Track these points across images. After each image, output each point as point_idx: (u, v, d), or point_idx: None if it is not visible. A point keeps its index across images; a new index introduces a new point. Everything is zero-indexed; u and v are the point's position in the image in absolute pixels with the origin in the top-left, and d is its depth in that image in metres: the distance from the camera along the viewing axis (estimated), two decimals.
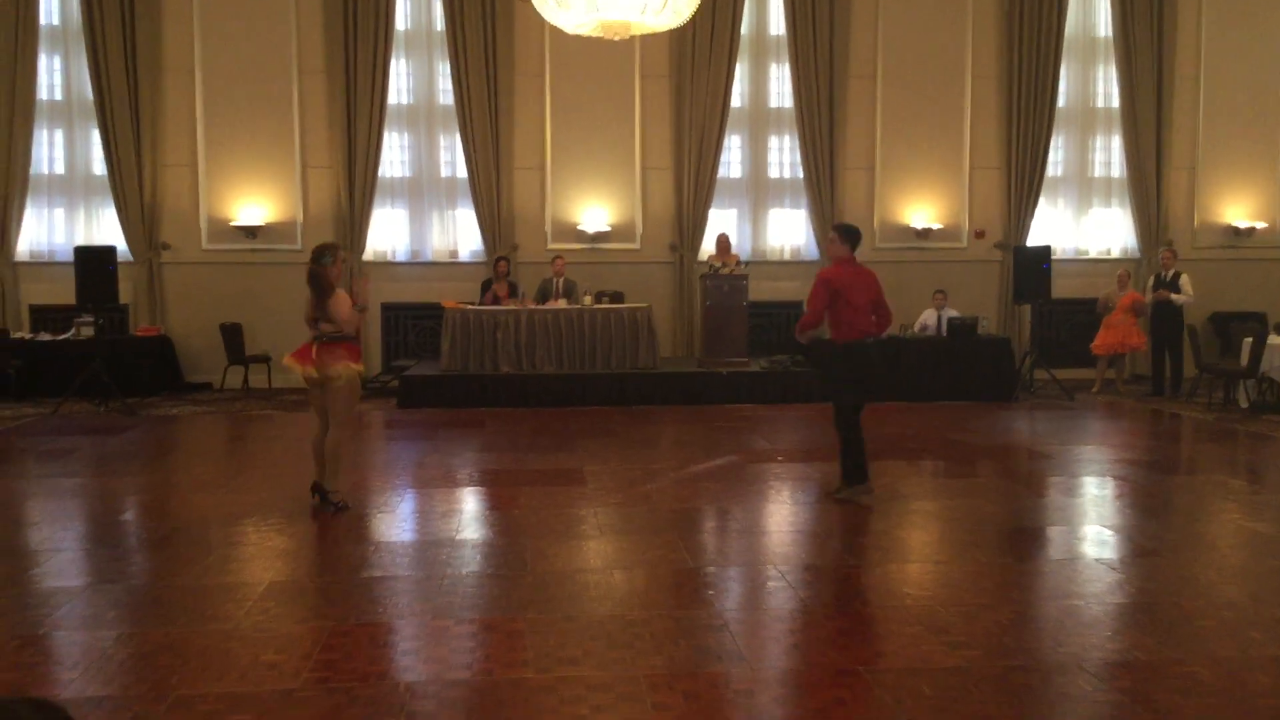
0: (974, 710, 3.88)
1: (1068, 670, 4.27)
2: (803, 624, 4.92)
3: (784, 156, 15.39)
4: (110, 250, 12.69)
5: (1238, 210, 15.76)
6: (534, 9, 9.55)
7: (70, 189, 14.63)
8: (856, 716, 3.83)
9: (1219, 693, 4.04)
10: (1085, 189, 15.83)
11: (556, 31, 10.93)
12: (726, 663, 4.37)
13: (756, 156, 15.32)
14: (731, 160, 15.28)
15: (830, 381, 7.36)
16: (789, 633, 4.84)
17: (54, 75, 14.54)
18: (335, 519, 6.94)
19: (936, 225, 15.33)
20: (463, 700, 4.00)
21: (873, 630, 4.75)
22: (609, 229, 14.89)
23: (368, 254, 14.74)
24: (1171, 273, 13.46)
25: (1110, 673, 4.25)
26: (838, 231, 7.49)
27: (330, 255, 7.11)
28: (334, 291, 7.09)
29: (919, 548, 6.38)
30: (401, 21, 14.71)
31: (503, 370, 12.77)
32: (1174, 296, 13.28)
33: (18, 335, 13.71)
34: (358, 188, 14.45)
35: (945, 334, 13.59)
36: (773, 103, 15.31)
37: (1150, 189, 15.45)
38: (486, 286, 13.86)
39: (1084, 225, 15.84)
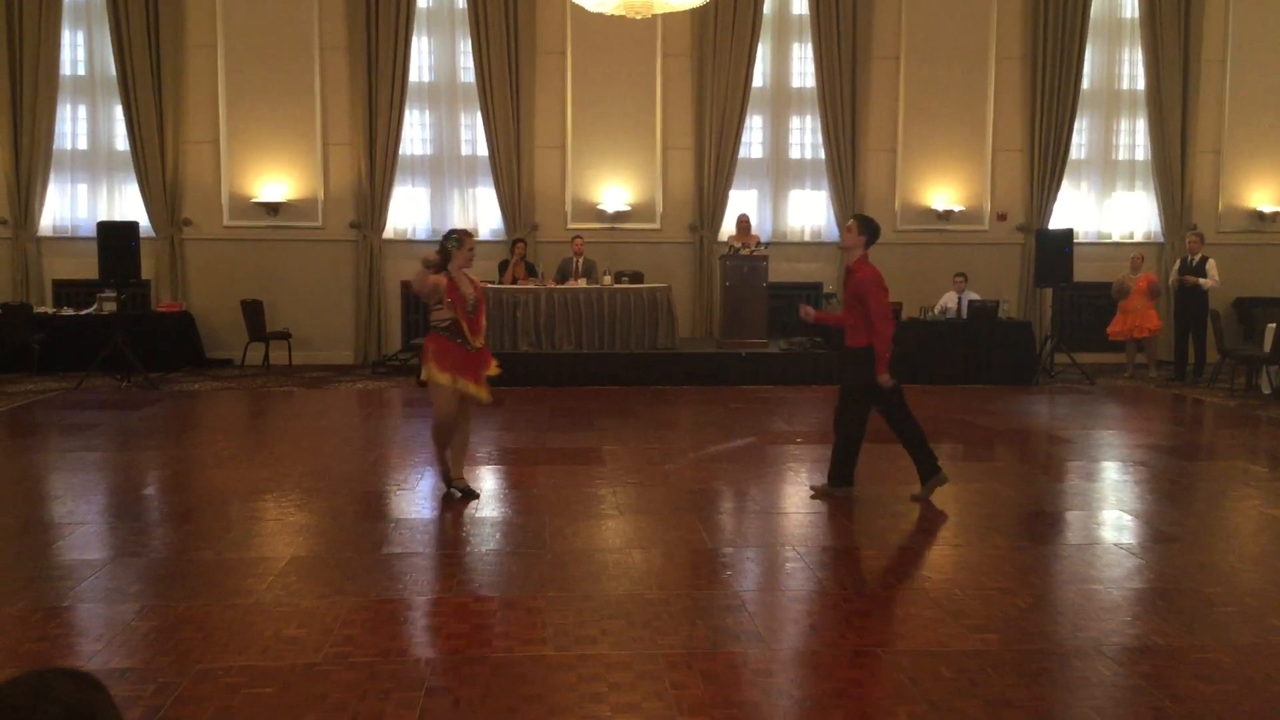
0: (992, 693, 3.88)
1: (1087, 655, 4.26)
2: (820, 605, 4.93)
3: (805, 137, 15.33)
4: (133, 226, 12.75)
5: (1263, 195, 15.62)
6: None
7: (93, 164, 14.70)
8: (874, 698, 3.84)
9: (1239, 679, 4.02)
10: (1109, 172, 15.71)
11: (578, 9, 10.90)
12: (744, 643, 4.38)
13: (777, 137, 15.25)
14: (752, 140, 15.23)
15: (856, 387, 6.85)
16: (806, 614, 4.84)
17: (77, 51, 14.60)
18: (347, 501, 6.98)
19: (958, 207, 15.25)
20: (482, 677, 4.02)
21: (890, 612, 4.75)
22: (629, 209, 14.87)
23: (388, 232, 14.77)
24: (1198, 257, 13.35)
25: (1129, 658, 4.24)
26: (859, 223, 6.97)
27: (455, 240, 6.78)
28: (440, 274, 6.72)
29: (937, 530, 6.37)
30: None
31: (522, 349, 12.79)
32: (1201, 281, 13.17)
33: (41, 310, 13.80)
34: (378, 165, 14.47)
35: (966, 317, 13.53)
36: (795, 83, 15.24)
37: (1175, 173, 15.32)
38: (503, 268, 13.87)
39: (1107, 209, 15.74)
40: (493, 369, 6.94)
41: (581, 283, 13.25)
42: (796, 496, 7.22)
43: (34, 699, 1.15)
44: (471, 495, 6.90)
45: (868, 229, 6.93)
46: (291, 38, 14.44)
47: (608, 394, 11.84)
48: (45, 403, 11.06)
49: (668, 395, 11.90)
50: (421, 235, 14.98)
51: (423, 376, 6.91)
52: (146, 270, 13.80)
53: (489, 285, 13.26)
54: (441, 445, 6.92)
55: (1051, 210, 15.31)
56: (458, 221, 14.95)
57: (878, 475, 7.66)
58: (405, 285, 6.42)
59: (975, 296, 13.79)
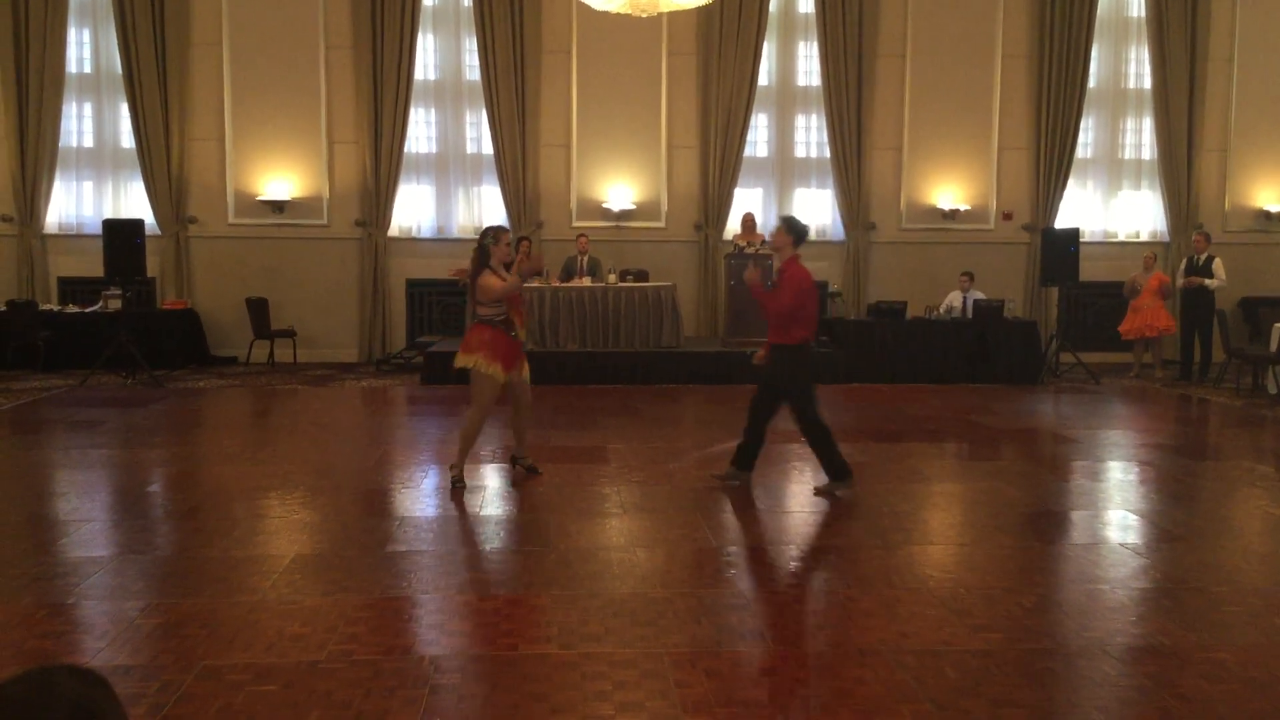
0: (997, 693, 3.87)
1: (1091, 654, 4.25)
2: (825, 604, 4.92)
3: (811, 136, 15.31)
4: (138, 223, 12.76)
5: (1270, 194, 15.58)
6: None
7: (99, 162, 14.72)
8: (878, 697, 3.83)
9: (1244, 679, 4.01)
10: (1115, 171, 15.68)
11: (584, 7, 10.90)
12: (748, 641, 4.38)
13: (783, 135, 15.24)
14: (758, 139, 15.22)
15: (796, 384, 7.05)
16: (811, 613, 4.84)
17: (83, 49, 14.61)
18: (347, 497, 6.98)
19: (964, 206, 15.23)
20: (487, 674, 4.02)
21: (895, 611, 4.75)
22: (634, 207, 14.87)
23: (393, 230, 14.79)
24: (1204, 257, 13.32)
25: (1134, 658, 4.24)
26: (786, 225, 7.20)
27: (492, 236, 7.18)
28: (482, 271, 7.10)
29: (942, 530, 6.37)
30: None
31: (526, 347, 12.75)
32: (1207, 282, 13.14)
33: (46, 307, 13.82)
34: (384, 163, 14.47)
35: (971, 316, 13.51)
36: (800, 81, 15.23)
37: (1181, 172, 15.29)
38: (508, 267, 13.82)
39: (1113, 208, 15.71)
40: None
41: (586, 281, 13.25)
42: (801, 495, 7.22)
43: (38, 696, 1.15)
44: (535, 471, 7.51)
45: (794, 230, 7.18)
46: (297, 36, 14.45)
47: (612, 392, 11.84)
48: (50, 400, 11.08)
49: (672, 394, 11.90)
50: (426, 233, 14.99)
51: (466, 364, 7.05)
52: (152, 268, 13.82)
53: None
54: (475, 434, 7.22)
55: (1057, 209, 15.28)
56: (462, 220, 14.96)
57: (881, 475, 7.66)
58: (463, 275, 6.66)
59: (981, 296, 13.77)
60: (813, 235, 15.23)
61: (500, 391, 7.14)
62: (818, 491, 7.11)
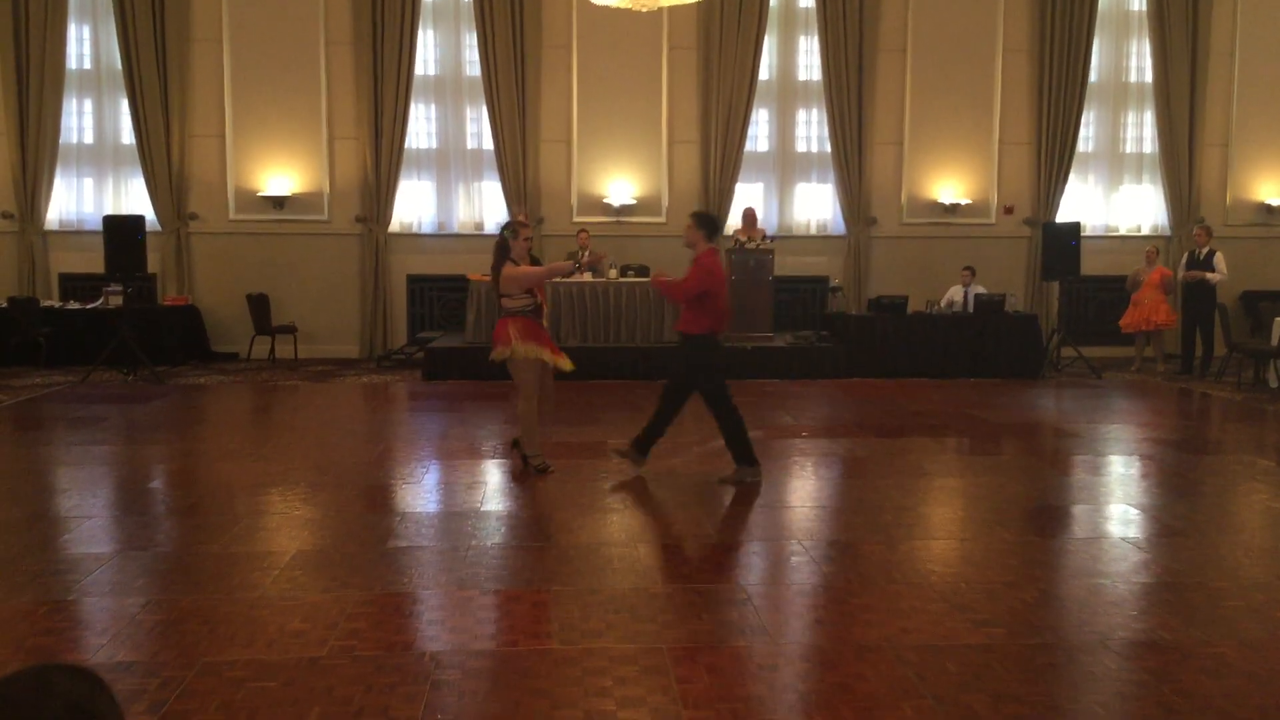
0: (998, 688, 3.87)
1: (1093, 649, 4.25)
2: (826, 599, 4.92)
3: (812, 130, 15.29)
4: (139, 220, 12.75)
5: (1271, 188, 15.56)
6: None
7: (99, 158, 14.72)
8: (879, 692, 3.83)
9: (1246, 674, 4.01)
10: (1116, 165, 15.66)
11: (584, 2, 10.90)
12: (750, 637, 4.38)
13: (784, 130, 15.22)
14: (758, 134, 15.20)
15: (701, 371, 7.18)
16: (812, 608, 4.84)
17: (83, 45, 14.60)
18: (352, 493, 6.99)
19: (965, 201, 15.21)
20: (487, 670, 4.02)
21: (896, 606, 4.74)
22: (634, 202, 14.85)
23: (394, 225, 14.77)
24: (1205, 250, 13.31)
25: (1136, 652, 4.24)
26: (695, 219, 7.30)
27: (510, 230, 7.29)
28: (503, 264, 7.22)
29: (943, 525, 6.37)
30: None
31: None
32: (1209, 276, 13.12)
33: (47, 304, 13.83)
34: (384, 159, 14.46)
35: (972, 310, 13.51)
36: (801, 76, 15.20)
37: (1182, 165, 15.27)
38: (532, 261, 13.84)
39: (1114, 202, 15.69)
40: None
41: (587, 276, 13.24)
42: (802, 490, 7.22)
43: (34, 694, 1.15)
44: (542, 470, 7.40)
45: (704, 224, 7.28)
46: (297, 31, 14.43)
47: (612, 388, 11.83)
48: (52, 396, 11.09)
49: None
50: (427, 229, 14.98)
51: (504, 355, 7.21)
52: (152, 264, 13.81)
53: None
54: (535, 419, 7.34)
55: (1059, 203, 15.26)
56: (463, 215, 14.95)
57: (882, 470, 7.66)
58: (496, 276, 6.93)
59: (982, 290, 13.76)
60: (813, 230, 15.29)
61: (542, 372, 7.29)
62: (723, 481, 7.19)
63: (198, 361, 14.05)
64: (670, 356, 12.67)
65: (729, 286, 13.08)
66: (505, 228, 7.33)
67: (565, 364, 7.34)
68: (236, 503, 6.62)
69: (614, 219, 14.85)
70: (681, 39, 14.75)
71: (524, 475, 7.41)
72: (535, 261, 13.54)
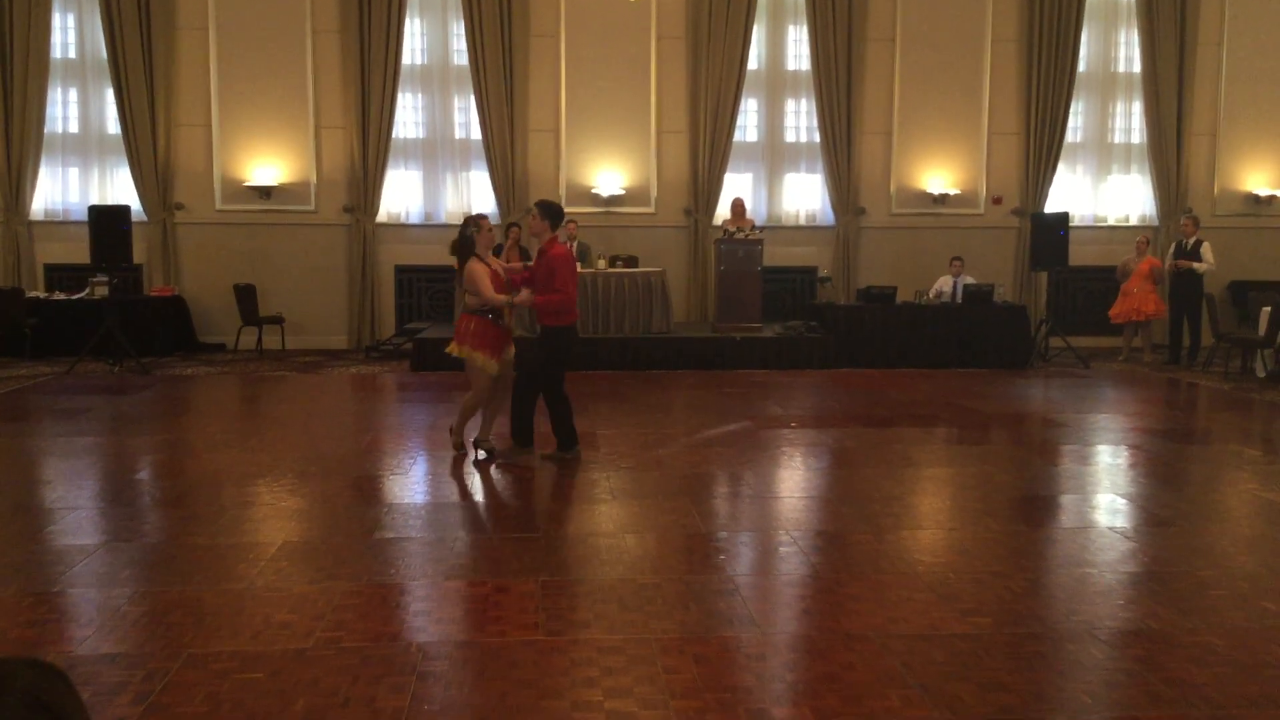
0: (985, 677, 3.87)
1: (1080, 638, 4.26)
2: (814, 589, 4.92)
3: (800, 120, 15.27)
4: (124, 210, 12.68)
5: (1259, 178, 15.60)
6: None
7: (84, 148, 14.63)
8: (867, 682, 3.83)
9: (1232, 663, 4.02)
10: (1104, 155, 15.68)
11: None
12: (737, 627, 4.38)
13: (773, 120, 15.20)
14: (747, 124, 15.17)
15: (549, 362, 7.37)
16: (800, 598, 4.84)
17: (68, 33, 14.50)
18: (341, 484, 6.96)
19: (954, 191, 15.21)
20: (474, 661, 4.01)
21: (884, 596, 4.74)
22: (623, 193, 14.82)
23: (381, 215, 14.72)
24: (1193, 240, 13.34)
25: (1123, 641, 4.24)
26: (541, 209, 7.35)
27: (474, 224, 7.33)
28: (468, 260, 7.28)
29: (931, 515, 6.37)
30: None
31: (516, 333, 12.71)
32: (1196, 266, 13.15)
33: (33, 294, 13.74)
34: (371, 149, 14.40)
35: (961, 301, 13.52)
36: (790, 65, 15.18)
37: (1170, 155, 15.29)
38: (498, 251, 13.78)
39: (1103, 192, 15.71)
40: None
41: (575, 267, 13.18)
42: (790, 481, 7.22)
43: None
44: (493, 453, 7.53)
45: (549, 213, 7.34)
46: (283, 20, 14.35)
47: (601, 378, 11.81)
48: (37, 387, 11.03)
49: (662, 379, 11.88)
50: (415, 219, 14.93)
51: (456, 353, 7.36)
52: (138, 254, 13.75)
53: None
54: (471, 412, 7.57)
55: (1047, 194, 15.28)
56: (451, 205, 14.90)
57: (870, 460, 7.66)
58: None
59: (970, 280, 13.77)
60: (802, 220, 15.29)
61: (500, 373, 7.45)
62: (544, 457, 7.44)
63: (184, 352, 13.99)
64: (652, 347, 12.75)
65: (724, 276, 13.21)
66: (468, 224, 7.37)
67: (492, 368, 7.34)
68: (223, 494, 6.59)
69: (603, 209, 14.81)
70: (670, 28, 14.71)
71: (512, 467, 7.39)
72: (525, 255, 13.57)
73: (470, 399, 7.50)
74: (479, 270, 7.22)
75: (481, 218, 7.45)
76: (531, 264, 7.80)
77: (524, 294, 7.39)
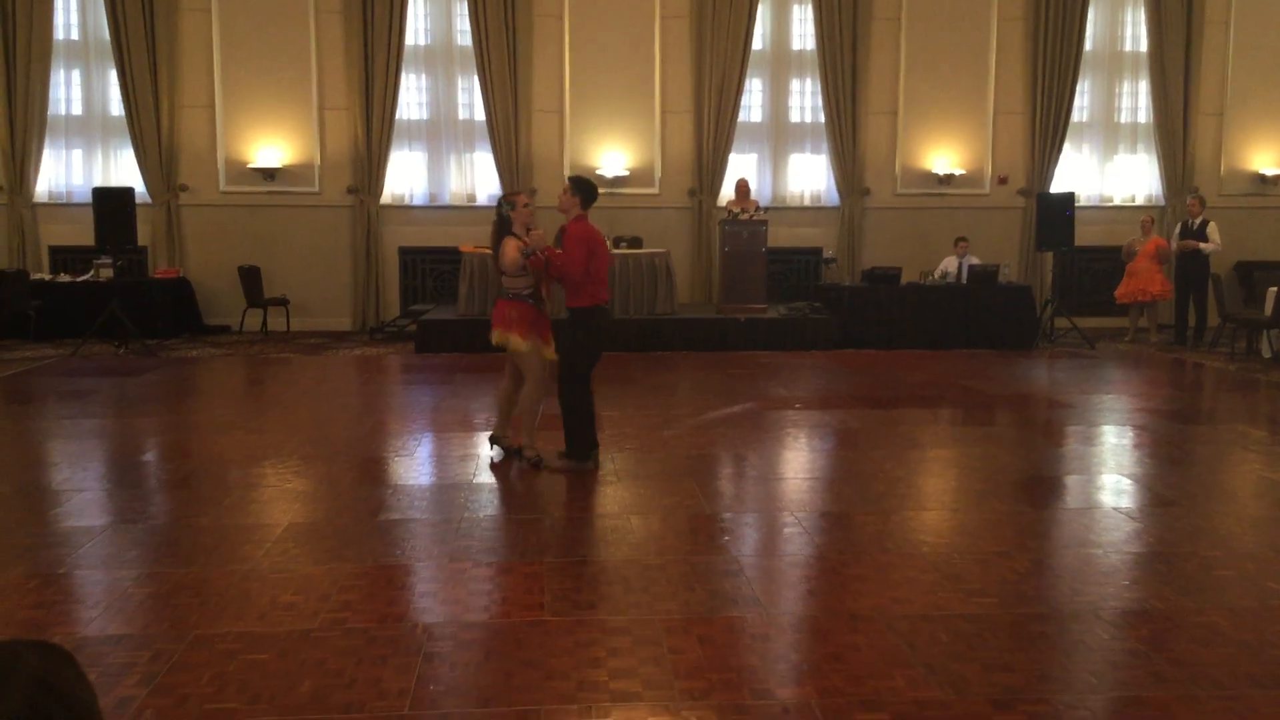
0: (990, 657, 3.88)
1: (1085, 619, 4.26)
2: (818, 570, 4.92)
3: (805, 100, 15.21)
4: (128, 192, 12.68)
5: (1266, 157, 15.52)
6: None
7: (88, 130, 14.61)
8: (871, 662, 3.84)
9: (1237, 643, 4.02)
10: (1111, 135, 15.60)
11: None
12: (742, 608, 4.38)
13: (777, 100, 15.14)
14: (752, 104, 15.11)
15: (577, 348, 6.74)
16: (804, 579, 4.84)
17: (70, 15, 14.45)
18: (345, 466, 6.97)
19: (959, 171, 15.16)
20: (480, 642, 4.02)
21: (888, 577, 4.75)
22: (627, 173, 14.78)
23: (385, 197, 14.70)
24: (1199, 221, 13.29)
25: (1128, 621, 4.24)
26: (573, 184, 6.80)
27: (508, 202, 6.88)
28: (504, 239, 6.78)
29: (935, 495, 6.37)
30: None
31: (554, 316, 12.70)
32: (1202, 246, 13.10)
33: (37, 276, 13.74)
34: (375, 130, 14.37)
35: (966, 281, 13.49)
36: (795, 45, 15.11)
37: (1177, 135, 15.22)
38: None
39: (1109, 172, 15.65)
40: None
41: (600, 247, 13.16)
42: (795, 462, 7.22)
43: (1, 671, 1.13)
44: (515, 453, 6.96)
45: (581, 189, 6.78)
46: (287, 1, 14.28)
47: (606, 359, 11.71)
48: (42, 370, 11.04)
49: (666, 361, 11.88)
50: (419, 201, 14.91)
51: (501, 343, 6.80)
52: (143, 236, 13.74)
53: (488, 251, 13.18)
54: (536, 407, 6.85)
55: (1053, 174, 15.22)
56: (455, 186, 14.87)
57: (875, 440, 7.65)
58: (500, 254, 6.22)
59: (976, 261, 13.73)
60: (806, 201, 15.23)
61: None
62: (561, 455, 6.83)
63: (189, 334, 14.00)
64: (656, 329, 12.73)
65: (728, 257, 13.18)
66: (502, 203, 6.95)
67: (552, 354, 6.91)
68: (228, 475, 6.60)
69: (607, 190, 14.72)
70: (674, 8, 14.64)
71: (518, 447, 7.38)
72: None
73: (528, 394, 6.84)
74: (509, 244, 6.76)
75: (516, 194, 7.05)
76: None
77: (536, 233, 6.76)
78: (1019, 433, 8.24)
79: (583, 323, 6.75)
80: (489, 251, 13.03)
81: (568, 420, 6.74)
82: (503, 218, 6.87)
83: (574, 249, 6.60)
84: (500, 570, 4.83)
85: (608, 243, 12.97)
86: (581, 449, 6.74)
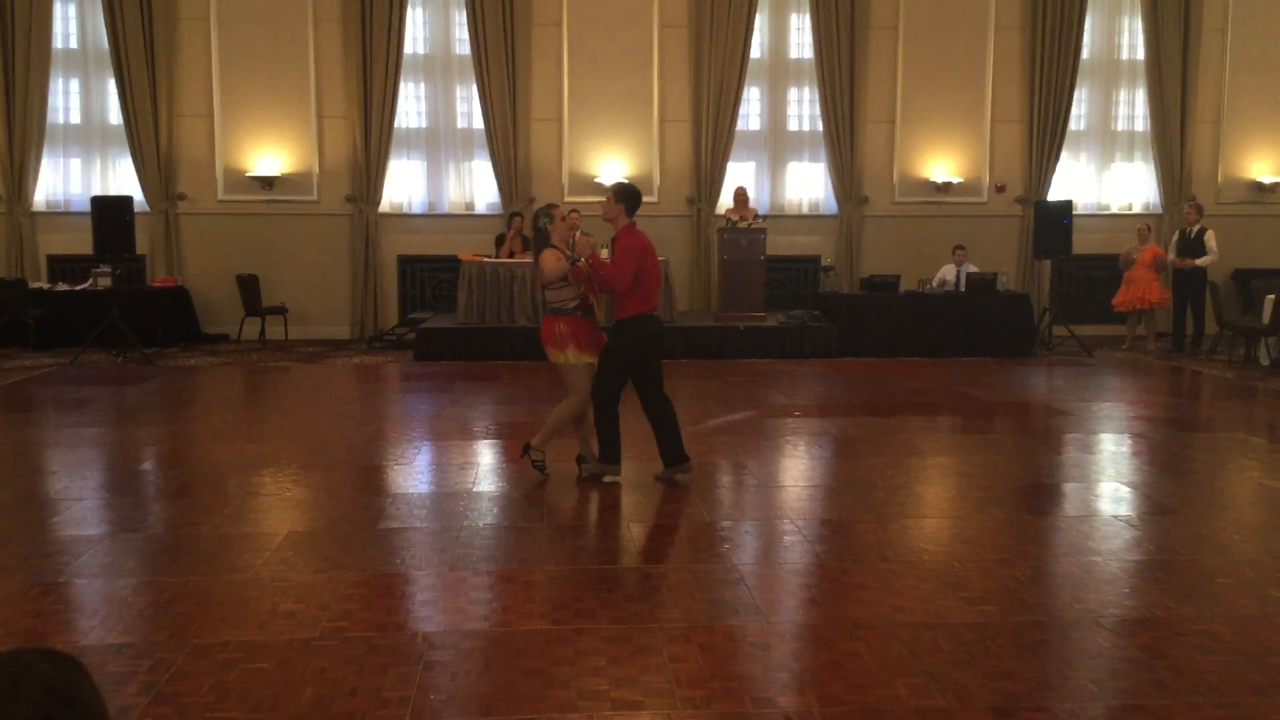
0: (991, 665, 3.87)
1: (1085, 626, 4.26)
2: (819, 578, 4.92)
3: (803, 109, 15.23)
4: (127, 200, 12.67)
5: (1263, 165, 15.55)
6: None
7: (86, 139, 14.61)
8: (873, 670, 3.84)
9: (1237, 650, 4.02)
10: (1108, 143, 15.63)
11: None
12: (742, 616, 4.38)
13: (775, 109, 15.16)
14: (750, 112, 15.13)
15: (612, 354, 6.56)
16: (805, 587, 4.84)
17: (69, 24, 14.47)
18: (340, 474, 6.96)
19: (957, 179, 15.18)
20: (480, 651, 4.01)
21: (889, 584, 4.75)
22: (626, 182, 14.76)
23: (384, 205, 14.70)
24: (1196, 229, 13.30)
25: (1128, 629, 4.24)
26: (616, 192, 6.68)
27: (546, 215, 6.69)
28: (542, 251, 6.60)
29: (935, 503, 6.37)
30: None
31: (519, 323, 12.74)
32: (1198, 262, 13.10)
33: (36, 285, 13.73)
34: (374, 138, 14.37)
35: (964, 289, 13.50)
36: (793, 54, 15.13)
37: (1174, 143, 15.24)
38: (500, 241, 13.81)
39: (1106, 180, 15.66)
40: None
41: (650, 259, 13.14)
42: (795, 470, 7.22)
43: (12, 679, 1.13)
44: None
45: (624, 197, 6.65)
46: (285, 10, 14.31)
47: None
48: (41, 378, 11.03)
49: (665, 369, 11.82)
50: (418, 209, 14.91)
51: (561, 361, 6.60)
52: (141, 245, 13.73)
53: (486, 259, 13.22)
54: (566, 422, 6.71)
55: (1050, 182, 15.24)
56: (454, 195, 14.88)
57: (874, 448, 7.65)
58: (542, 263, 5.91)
59: (974, 269, 13.75)
60: (805, 209, 15.25)
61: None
62: (657, 477, 6.68)
63: (188, 343, 13.99)
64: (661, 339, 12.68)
65: (727, 266, 13.17)
66: (539, 215, 6.72)
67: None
68: (228, 484, 6.59)
69: (605, 198, 14.75)
70: (673, 17, 14.67)
71: (516, 456, 7.37)
72: (525, 244, 13.55)
73: (565, 407, 6.67)
74: (548, 255, 6.55)
75: (554, 206, 6.83)
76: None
77: (587, 240, 6.57)
78: (1018, 440, 8.24)
79: (632, 331, 6.54)
80: (488, 259, 13.12)
81: (599, 426, 6.59)
82: (540, 230, 6.69)
83: (624, 261, 6.45)
84: (500, 579, 4.83)
85: (604, 251, 12.98)
86: (609, 456, 6.63)
